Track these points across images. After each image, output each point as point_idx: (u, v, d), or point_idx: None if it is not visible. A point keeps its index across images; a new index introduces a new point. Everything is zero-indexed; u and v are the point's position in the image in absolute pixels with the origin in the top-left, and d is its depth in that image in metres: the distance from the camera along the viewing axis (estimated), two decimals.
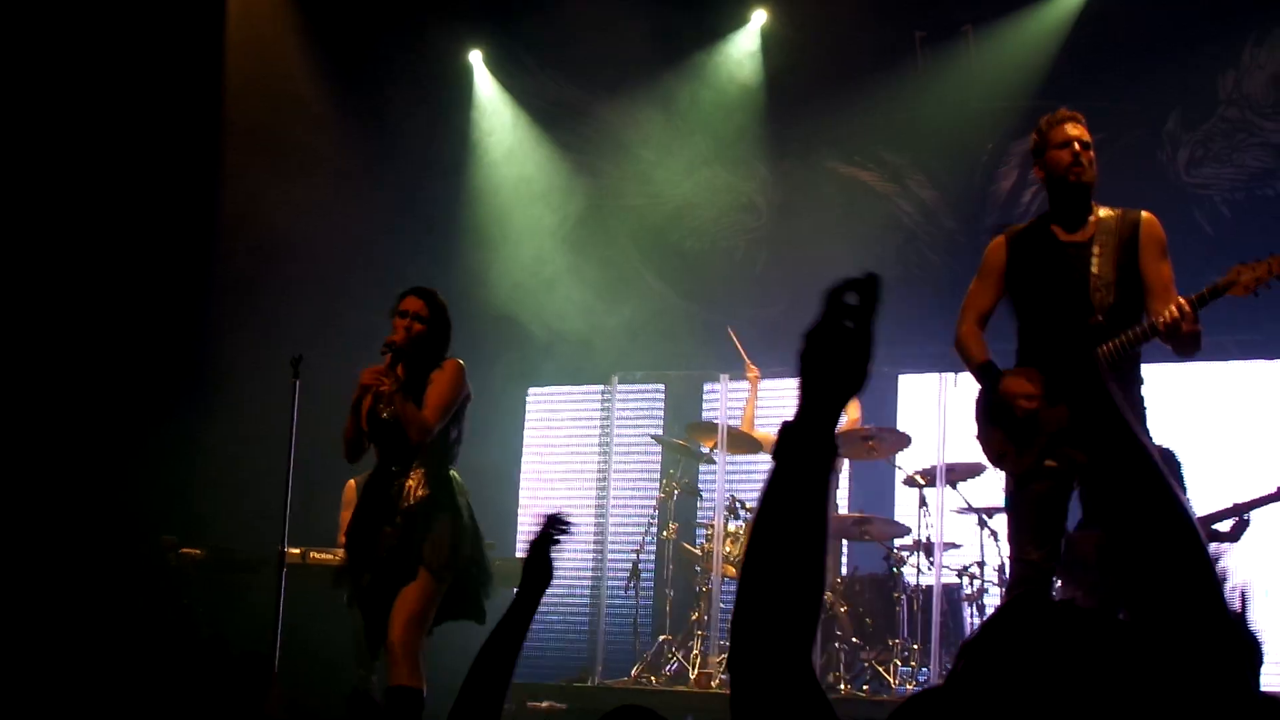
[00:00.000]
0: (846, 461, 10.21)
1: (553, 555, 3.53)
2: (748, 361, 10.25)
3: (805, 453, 1.93)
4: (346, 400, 6.73)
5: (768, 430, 10.35)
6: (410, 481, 6.37)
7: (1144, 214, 5.73)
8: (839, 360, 1.95)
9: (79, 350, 9.83)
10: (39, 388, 9.61)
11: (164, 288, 10.28)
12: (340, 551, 9.26)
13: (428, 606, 6.31)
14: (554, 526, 3.54)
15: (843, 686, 8.97)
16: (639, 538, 10.44)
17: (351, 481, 9.65)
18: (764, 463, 10.51)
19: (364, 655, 9.03)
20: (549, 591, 3.54)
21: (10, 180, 9.63)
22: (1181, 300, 5.37)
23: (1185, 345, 5.44)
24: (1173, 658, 1.70)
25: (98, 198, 9.98)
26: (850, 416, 9.99)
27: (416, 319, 6.46)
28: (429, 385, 6.40)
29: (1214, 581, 1.82)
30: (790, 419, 1.96)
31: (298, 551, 8.83)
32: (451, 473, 6.51)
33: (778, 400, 10.60)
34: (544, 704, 9.00)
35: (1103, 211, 5.75)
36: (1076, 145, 5.69)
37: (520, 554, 10.81)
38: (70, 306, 9.81)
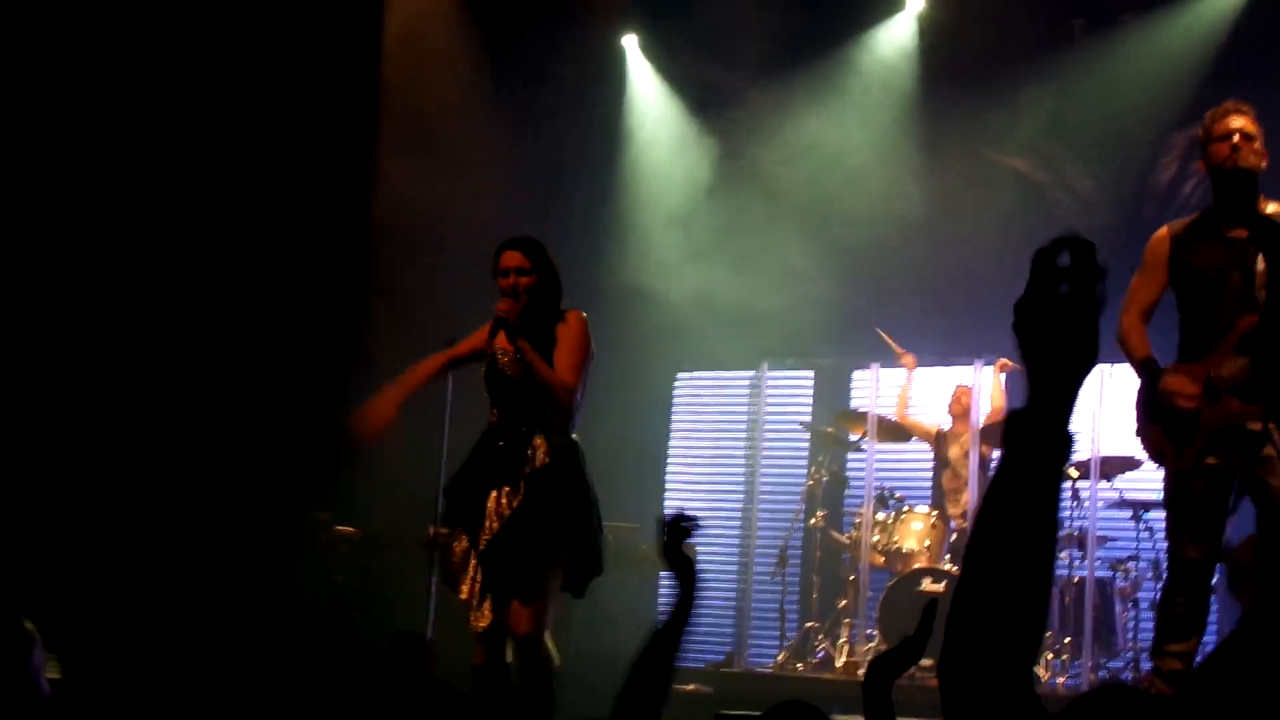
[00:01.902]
0: (996, 452, 10.12)
1: (686, 551, 3.49)
2: (899, 350, 10.20)
3: (1035, 442, 1.77)
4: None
5: (919, 420, 10.31)
6: (540, 443, 5.91)
7: None
8: (1061, 332, 1.76)
9: (245, 336, 10.04)
10: (206, 372, 9.84)
11: (323, 276, 10.47)
12: None
13: (555, 589, 5.99)
14: (679, 525, 3.50)
15: None
16: (787, 525, 10.46)
17: None
18: (913, 452, 10.50)
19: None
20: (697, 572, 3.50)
21: (181, 171, 9.86)
22: None
23: None
24: None
25: (258, 189, 10.19)
26: (996, 405, 9.93)
27: (520, 273, 5.99)
28: (556, 343, 5.96)
29: None
30: (1019, 406, 1.79)
31: (449, 532, 8.93)
32: (573, 436, 6.06)
33: (928, 389, 10.54)
34: (690, 686, 9.05)
35: (1270, 206, 5.66)
36: (1237, 136, 5.61)
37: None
38: (237, 295, 10.03)
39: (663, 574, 10.78)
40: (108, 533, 9.12)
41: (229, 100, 10.08)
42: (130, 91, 9.73)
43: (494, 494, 5.95)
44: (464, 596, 6.04)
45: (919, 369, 10.38)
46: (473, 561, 6.01)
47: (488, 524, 5.95)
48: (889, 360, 10.36)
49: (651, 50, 11.91)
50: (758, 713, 3.38)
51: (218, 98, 10.04)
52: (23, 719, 2.78)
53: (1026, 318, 1.78)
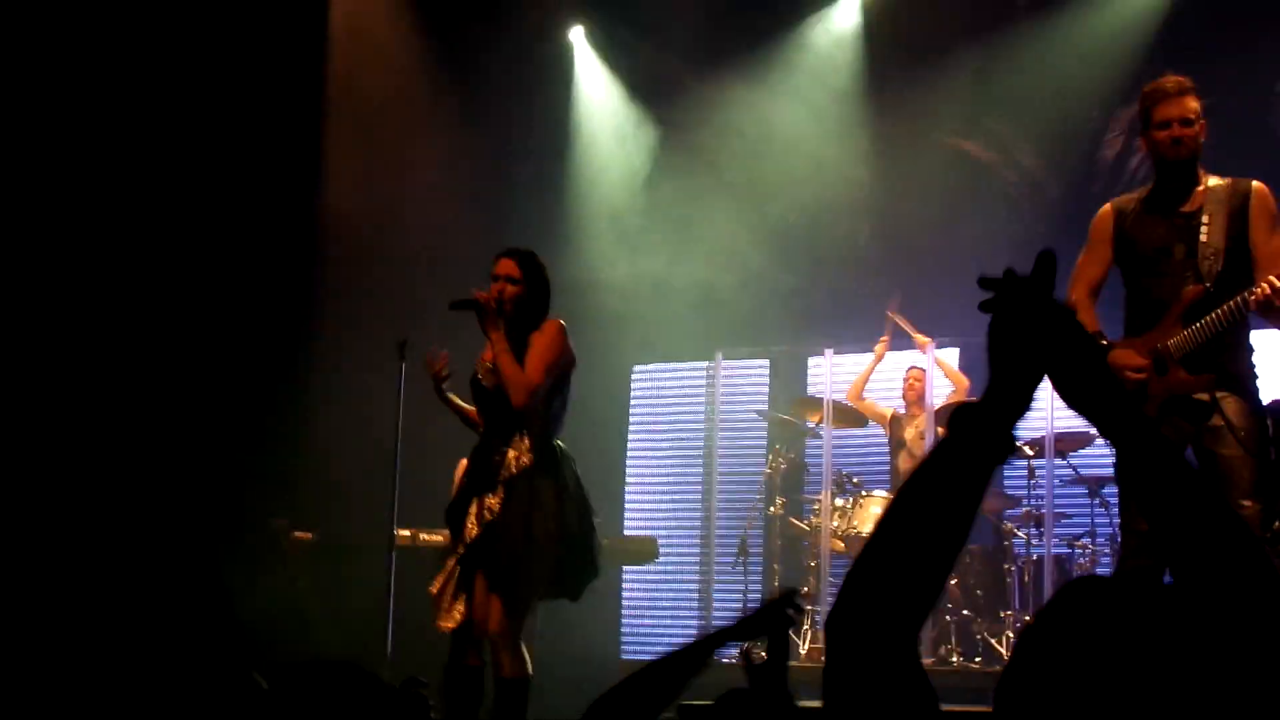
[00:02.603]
0: None
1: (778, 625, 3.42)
2: (915, 333, 10.15)
3: (981, 439, 1.83)
4: (456, 381, 6.66)
5: (873, 403, 10.32)
6: (513, 451, 6.10)
7: (1255, 184, 5.65)
8: (1028, 347, 1.83)
9: (188, 336, 9.95)
10: (147, 372, 9.74)
11: (270, 274, 10.39)
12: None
13: (529, 588, 6.09)
14: (789, 604, 3.43)
15: (955, 659, 8.95)
16: (746, 514, 10.46)
17: (464, 460, 9.71)
18: (870, 436, 10.51)
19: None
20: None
21: (118, 165, 9.75)
22: (1273, 276, 5.30)
23: (1277, 319, 5.39)
24: (1228, 625, 1.66)
25: (202, 183, 10.09)
26: (960, 384, 9.95)
27: (509, 281, 6.20)
28: (529, 348, 6.14)
29: (1255, 549, 1.77)
30: (973, 400, 1.86)
31: (408, 533, 8.89)
32: (557, 442, 6.24)
33: (882, 374, 10.55)
34: None
35: (1212, 180, 5.67)
36: (1176, 126, 5.62)
37: (629, 533, 10.88)
38: (180, 293, 9.93)
39: (626, 568, 10.77)
40: (55, 538, 9.01)
41: (173, 94, 9.99)
42: (74, 83, 9.62)
43: (475, 501, 6.13)
44: (433, 591, 6.14)
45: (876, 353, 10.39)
46: (451, 562, 6.16)
47: (468, 526, 6.11)
48: (844, 346, 10.37)
49: (598, 41, 11.89)
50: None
51: (162, 92, 9.95)
52: None
53: (1005, 321, 1.85)
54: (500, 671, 5.98)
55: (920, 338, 10.16)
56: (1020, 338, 1.84)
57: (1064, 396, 1.88)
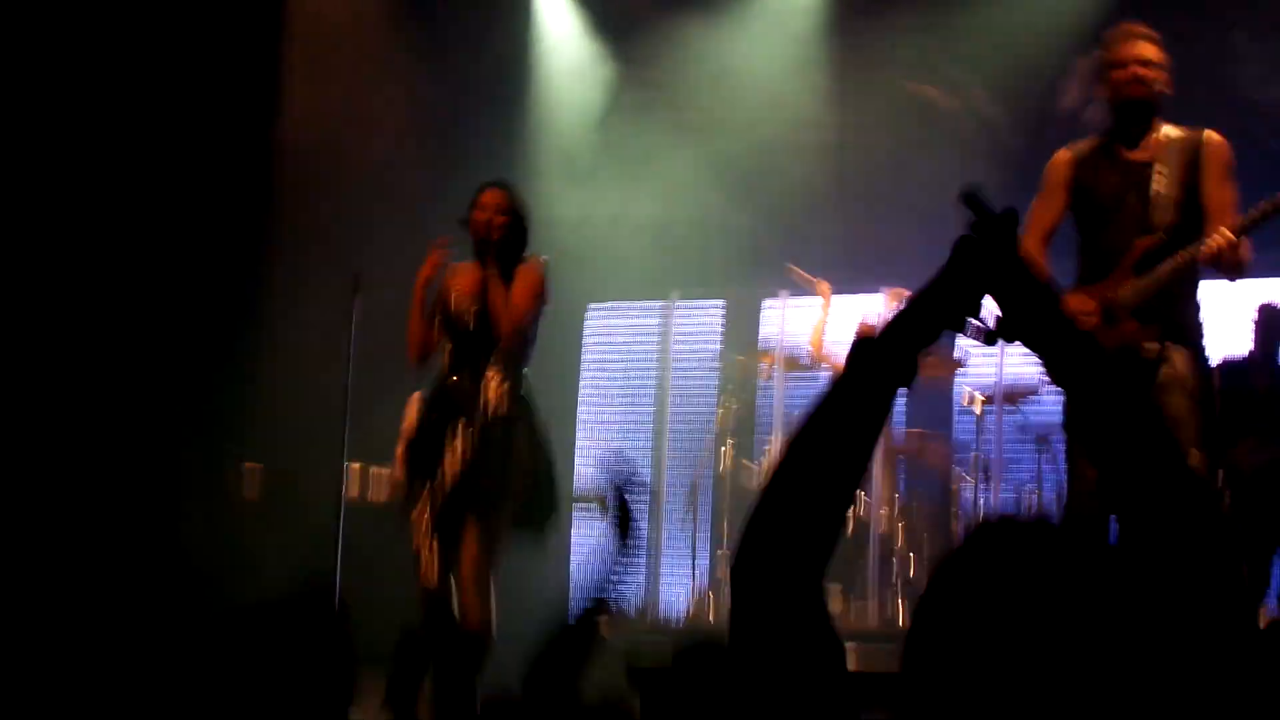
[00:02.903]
0: None
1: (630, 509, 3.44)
2: (812, 279, 10.13)
3: (878, 359, 1.83)
4: (405, 315, 6.62)
5: (832, 352, 10.31)
6: (490, 389, 6.11)
7: (1209, 133, 5.65)
8: (979, 279, 1.82)
9: (136, 267, 9.85)
10: (94, 305, 9.65)
11: (222, 205, 10.29)
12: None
13: (503, 533, 6.12)
14: (625, 481, 3.45)
15: (901, 620, 8.94)
16: (697, 457, 10.46)
17: (416, 394, 9.67)
18: (823, 383, 10.51)
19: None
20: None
21: (62, 90, 9.62)
22: (1224, 228, 5.32)
23: (1229, 271, 5.43)
24: (1158, 583, 1.64)
25: (153, 113, 9.97)
26: None
27: (498, 212, 6.27)
28: (514, 282, 6.17)
29: (1213, 513, 1.76)
30: (873, 330, 1.86)
31: (358, 466, 8.88)
32: (526, 372, 6.27)
33: (837, 319, 10.53)
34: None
35: (1168, 129, 5.68)
36: (1136, 64, 5.63)
37: (579, 480, 10.87)
38: (127, 225, 9.82)
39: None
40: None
41: (125, 23, 9.85)
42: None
43: (449, 435, 6.10)
44: (424, 554, 6.11)
45: (833, 297, 10.36)
46: (427, 518, 6.10)
47: (446, 468, 6.08)
48: (800, 290, 10.34)
49: None
50: (667, 665, 3.35)
51: (114, 21, 9.81)
52: None
53: (964, 255, 1.84)
54: (465, 619, 5.95)
55: (820, 285, 10.10)
56: (976, 270, 1.83)
57: (1021, 337, 1.87)
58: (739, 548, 1.81)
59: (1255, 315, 8.19)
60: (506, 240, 6.23)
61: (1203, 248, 5.35)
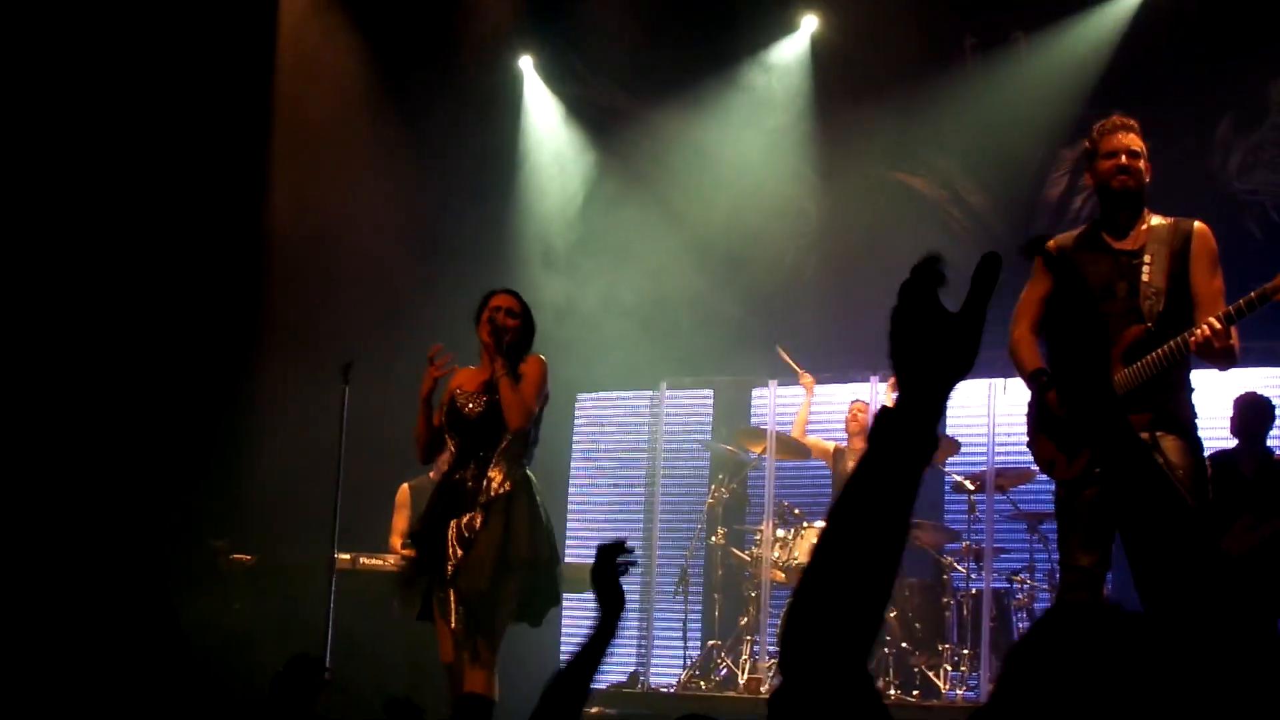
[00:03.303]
0: None
1: (620, 581, 3.50)
2: (799, 370, 10.22)
3: (901, 443, 1.81)
4: (397, 406, 6.74)
5: (817, 439, 10.34)
6: (493, 475, 6.34)
7: (1197, 224, 5.71)
8: (934, 338, 1.83)
9: (130, 355, 9.88)
10: (86, 391, 9.66)
11: (213, 295, 10.33)
12: (392, 557, 9.35)
13: (508, 607, 6.31)
14: (616, 554, 3.51)
15: (893, 692, 8.97)
16: (688, 543, 10.46)
17: (405, 485, 9.70)
18: (812, 468, 10.54)
19: (414, 662, 9.11)
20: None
21: (57, 176, 9.67)
22: (1213, 319, 5.37)
23: (1219, 360, 5.46)
24: (1203, 656, 1.68)
25: (147, 203, 10.03)
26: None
27: (510, 315, 6.53)
28: (522, 379, 6.44)
29: (1231, 579, 1.79)
30: (889, 406, 1.84)
31: (348, 558, 8.86)
32: (529, 473, 6.51)
33: (830, 408, 10.59)
34: (593, 710, 9.02)
35: (1155, 220, 5.74)
36: (1124, 156, 5.69)
37: (571, 560, 10.86)
38: (120, 311, 9.86)
39: (566, 595, 10.74)
40: None
41: (120, 113, 9.92)
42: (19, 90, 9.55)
43: (454, 524, 6.30)
44: (454, 627, 6.29)
45: (817, 388, 10.41)
46: (452, 595, 6.28)
47: (451, 552, 6.28)
48: (788, 379, 10.38)
49: (547, 72, 11.91)
50: None
51: (107, 95, 9.88)
52: None
53: (899, 325, 1.84)
54: (470, 688, 6.15)
55: (804, 376, 10.18)
56: (910, 333, 1.85)
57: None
58: (784, 634, 1.81)
59: (1233, 407, 8.32)
60: (516, 341, 6.51)
61: (1192, 337, 5.40)
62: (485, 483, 6.33)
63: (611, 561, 3.51)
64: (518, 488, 6.36)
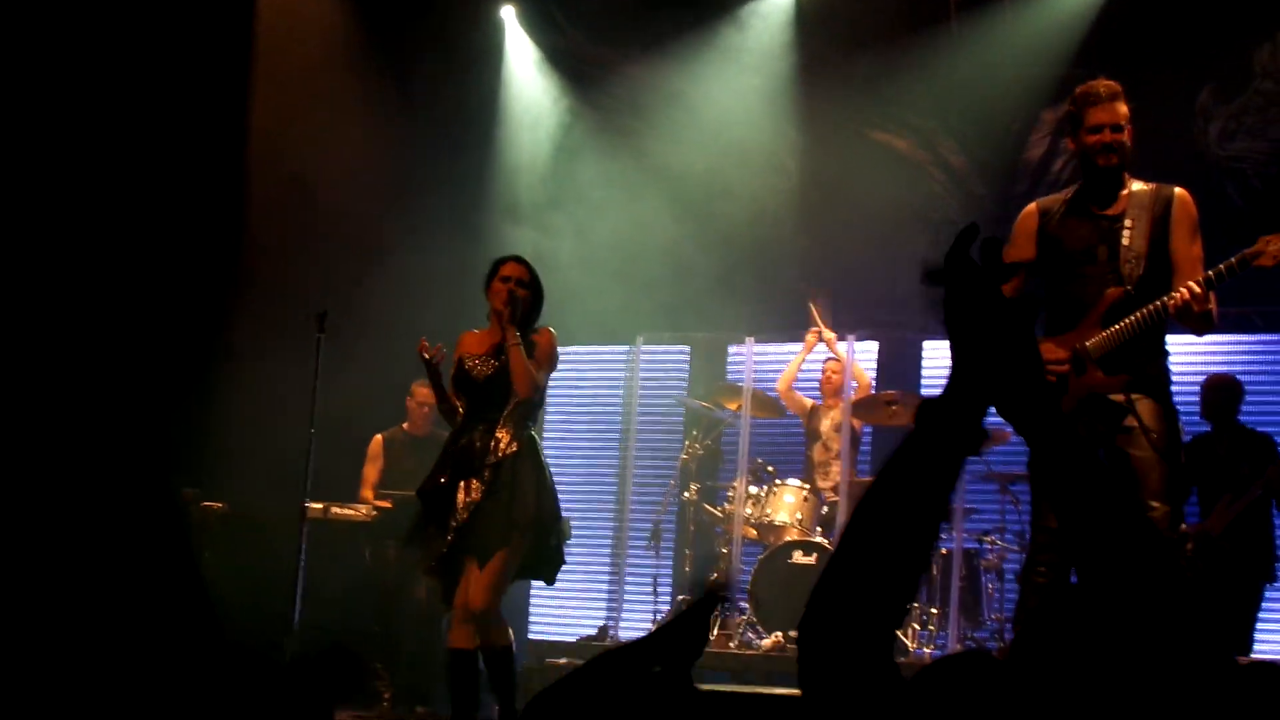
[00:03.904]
0: (869, 427, 10.23)
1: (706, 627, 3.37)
2: (823, 326, 10.13)
3: (946, 429, 1.79)
4: (370, 356, 6.74)
5: (800, 394, 10.34)
6: (500, 436, 6.51)
7: (1178, 190, 5.71)
8: (998, 334, 1.78)
9: (101, 305, 9.81)
10: (59, 342, 9.59)
11: (190, 245, 10.26)
12: (364, 507, 9.34)
13: (512, 568, 6.50)
14: (717, 596, 3.39)
15: None
16: (661, 498, 10.47)
17: (378, 437, 9.69)
18: (786, 426, 10.54)
19: (387, 611, 9.12)
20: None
21: (34, 126, 9.58)
22: (1192, 283, 5.39)
23: (1197, 324, 5.50)
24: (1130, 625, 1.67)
25: (123, 152, 9.94)
26: (861, 383, 10.04)
27: (520, 284, 6.66)
28: (535, 348, 6.62)
29: (1169, 566, 1.78)
30: (937, 394, 1.82)
31: (319, 507, 8.84)
32: (534, 434, 6.71)
33: (805, 366, 10.57)
34: (562, 660, 9.04)
35: (1136, 185, 5.73)
36: (1108, 132, 5.68)
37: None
38: (94, 261, 9.78)
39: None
40: None
41: (98, 65, 9.83)
42: None
43: (462, 484, 6.51)
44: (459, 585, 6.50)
45: (789, 345, 10.41)
46: (444, 545, 6.52)
47: (458, 513, 6.48)
48: (764, 335, 10.36)
49: (529, 22, 11.83)
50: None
51: (79, 59, 9.79)
52: None
53: (959, 314, 1.79)
54: (489, 642, 6.44)
55: (828, 333, 10.13)
56: (977, 325, 1.80)
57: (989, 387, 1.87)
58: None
59: (1200, 393, 8.47)
60: (527, 310, 6.66)
61: (1170, 300, 5.41)
62: (493, 443, 6.50)
63: (709, 606, 3.37)
64: (524, 449, 6.54)
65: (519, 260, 6.81)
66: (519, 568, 6.56)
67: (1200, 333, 5.61)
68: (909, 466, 1.79)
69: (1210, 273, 5.42)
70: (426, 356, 6.65)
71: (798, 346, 10.38)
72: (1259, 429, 8.67)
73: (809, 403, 10.22)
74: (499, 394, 6.56)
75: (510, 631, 6.56)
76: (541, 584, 7.57)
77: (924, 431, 1.80)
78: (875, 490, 1.80)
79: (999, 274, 1.82)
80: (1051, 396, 1.85)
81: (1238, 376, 8.76)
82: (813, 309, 10.16)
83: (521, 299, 6.62)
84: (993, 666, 1.85)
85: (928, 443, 1.79)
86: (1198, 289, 5.38)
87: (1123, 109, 5.73)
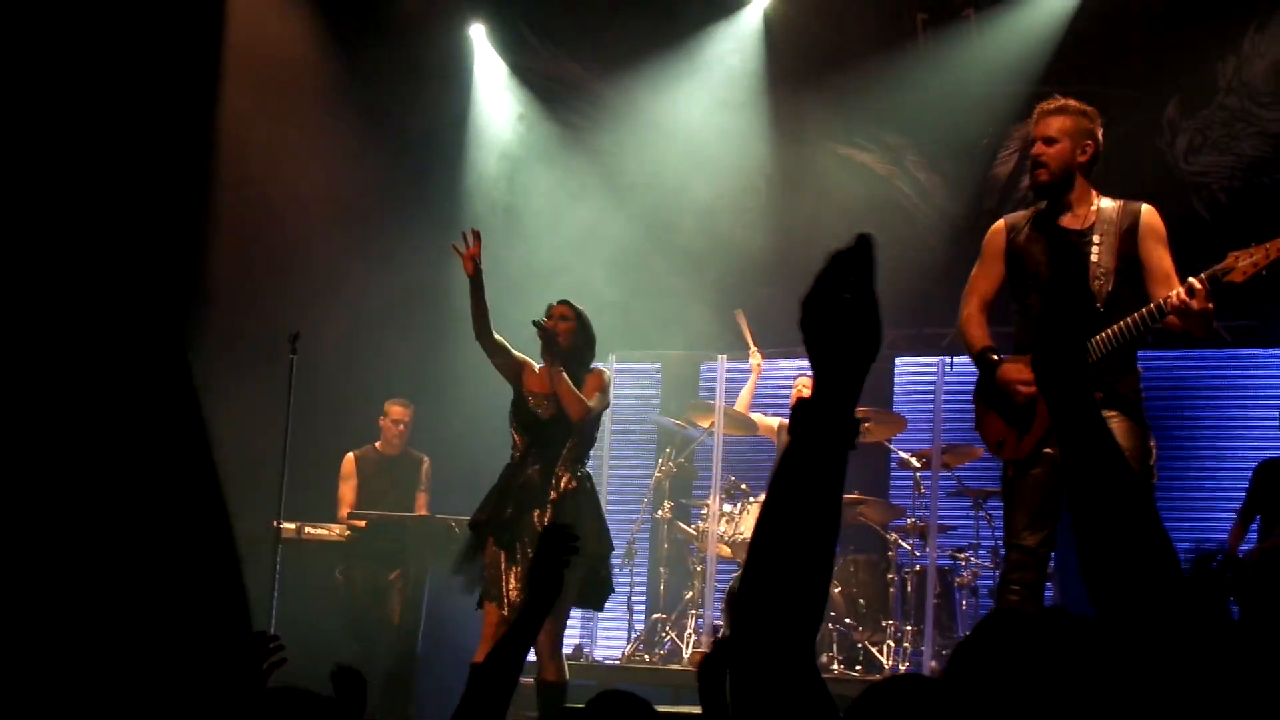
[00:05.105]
0: None
1: (561, 570, 3.47)
2: (753, 347, 10.16)
3: (822, 430, 1.82)
4: (344, 376, 6.75)
5: (761, 415, 10.34)
6: (560, 473, 6.92)
7: (1145, 206, 5.73)
8: (844, 327, 1.83)
9: (71, 322, 9.76)
10: (28, 363, 9.54)
11: (158, 261, 10.21)
12: (337, 527, 9.32)
13: (572, 598, 6.86)
14: (564, 543, 3.48)
15: (836, 667, 9.01)
16: (635, 517, 10.47)
17: (350, 455, 9.66)
18: (759, 443, 10.55)
19: (361, 631, 9.09)
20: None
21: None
22: (1193, 279, 5.34)
23: (1197, 323, 5.42)
24: (1151, 655, 1.70)
25: (87, 169, 9.88)
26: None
27: (563, 319, 7.08)
28: (583, 386, 7.00)
29: (1184, 580, 1.81)
30: (807, 397, 1.85)
31: (293, 527, 8.83)
32: (587, 469, 7.13)
33: (777, 383, 10.60)
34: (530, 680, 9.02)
35: (1103, 201, 5.75)
36: (1039, 144, 5.69)
37: None
38: (60, 272, 9.72)
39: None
40: None
41: (65, 70, 9.79)
42: None
43: (536, 513, 6.90)
44: (506, 614, 6.79)
45: (765, 363, 10.41)
46: (513, 577, 6.88)
47: (525, 541, 6.83)
48: (737, 353, 10.37)
49: (499, 40, 11.83)
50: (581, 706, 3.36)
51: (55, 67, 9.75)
52: None
53: (810, 313, 1.84)
54: (545, 676, 6.87)
55: (754, 353, 10.10)
56: (824, 321, 1.84)
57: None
58: (731, 624, 1.84)
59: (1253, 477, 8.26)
60: (570, 344, 7.04)
61: (1169, 300, 5.35)
62: (554, 479, 6.90)
63: (559, 548, 3.47)
64: (581, 485, 6.97)
65: (564, 303, 7.21)
66: (576, 597, 6.93)
67: (1200, 333, 5.53)
68: (794, 472, 1.82)
69: (1203, 275, 5.38)
70: (465, 254, 7.05)
71: (774, 364, 10.41)
72: (1224, 443, 8.67)
73: (775, 421, 10.22)
74: (559, 434, 6.94)
75: (566, 671, 6.94)
76: None
77: (800, 435, 1.82)
78: (769, 501, 1.83)
79: (862, 270, 1.85)
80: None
81: (1204, 392, 8.78)
82: (741, 322, 10.11)
83: (562, 331, 7.00)
84: (928, 689, 1.89)
85: (807, 445, 1.82)
86: (1199, 285, 5.33)
87: (1055, 123, 5.70)
